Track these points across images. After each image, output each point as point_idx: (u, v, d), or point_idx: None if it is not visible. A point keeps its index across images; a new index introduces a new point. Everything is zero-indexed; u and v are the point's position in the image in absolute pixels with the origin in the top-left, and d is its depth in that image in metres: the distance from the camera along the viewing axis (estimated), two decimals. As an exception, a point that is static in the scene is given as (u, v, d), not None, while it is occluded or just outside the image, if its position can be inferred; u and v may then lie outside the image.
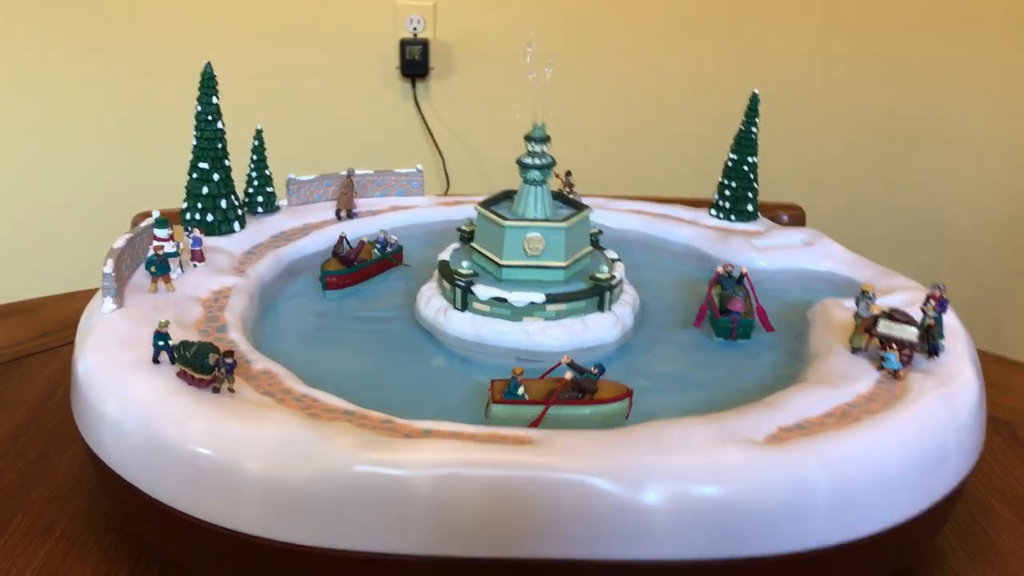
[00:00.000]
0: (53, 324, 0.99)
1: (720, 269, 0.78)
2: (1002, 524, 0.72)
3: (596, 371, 0.63)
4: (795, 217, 1.15)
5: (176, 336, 0.63)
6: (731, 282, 0.77)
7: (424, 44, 1.74)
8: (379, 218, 0.93)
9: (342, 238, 0.85)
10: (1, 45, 1.71)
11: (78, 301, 1.03)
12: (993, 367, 0.95)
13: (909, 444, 0.59)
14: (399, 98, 1.81)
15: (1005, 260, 1.97)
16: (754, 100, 0.90)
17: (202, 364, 0.59)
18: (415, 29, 1.75)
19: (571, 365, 0.63)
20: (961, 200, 1.96)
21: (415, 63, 1.75)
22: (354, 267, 0.83)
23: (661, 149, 1.88)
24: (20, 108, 1.76)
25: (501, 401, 0.62)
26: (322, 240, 0.88)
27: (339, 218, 0.91)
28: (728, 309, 0.74)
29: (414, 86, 1.79)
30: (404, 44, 1.74)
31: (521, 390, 0.62)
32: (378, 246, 0.86)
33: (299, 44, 1.76)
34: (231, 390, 0.60)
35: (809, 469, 0.55)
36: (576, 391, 0.62)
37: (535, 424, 0.60)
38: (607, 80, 1.84)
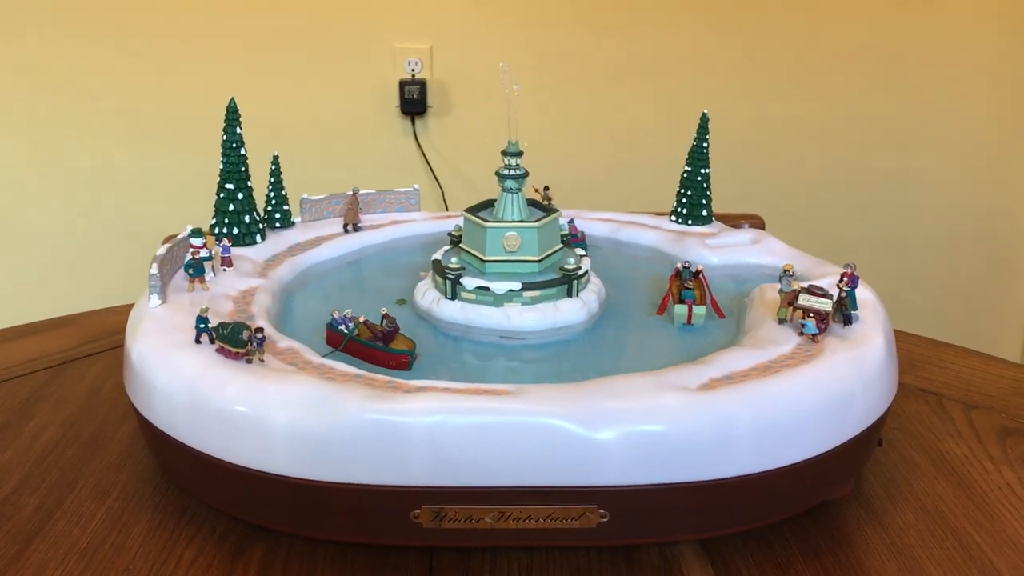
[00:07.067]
0: (95, 334, 1.08)
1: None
2: (920, 472, 0.81)
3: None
4: (755, 225, 1.22)
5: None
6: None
7: (422, 84, 1.85)
8: (381, 231, 1.03)
9: (382, 323, 0.79)
10: (46, 90, 1.83)
11: (115, 315, 1.14)
12: (929, 350, 1.05)
13: (819, 390, 0.68)
14: (400, 134, 1.91)
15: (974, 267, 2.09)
16: (704, 119, 1.00)
17: (237, 339, 0.68)
18: (413, 70, 1.86)
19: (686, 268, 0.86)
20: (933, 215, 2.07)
21: (414, 101, 1.86)
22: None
23: (637, 172, 1.97)
24: (61, 151, 1.88)
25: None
26: (333, 249, 0.98)
27: (346, 231, 1.01)
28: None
29: (413, 123, 1.89)
30: (403, 84, 1.85)
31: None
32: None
33: (311, 86, 1.87)
34: (261, 360, 0.69)
35: (733, 408, 0.65)
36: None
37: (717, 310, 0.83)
38: (587, 110, 1.94)
